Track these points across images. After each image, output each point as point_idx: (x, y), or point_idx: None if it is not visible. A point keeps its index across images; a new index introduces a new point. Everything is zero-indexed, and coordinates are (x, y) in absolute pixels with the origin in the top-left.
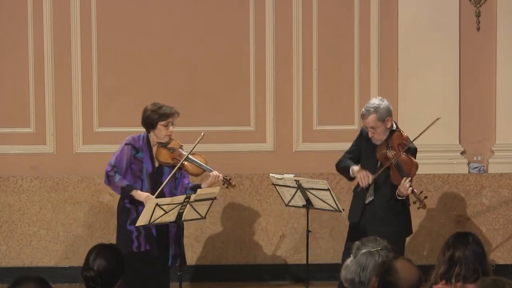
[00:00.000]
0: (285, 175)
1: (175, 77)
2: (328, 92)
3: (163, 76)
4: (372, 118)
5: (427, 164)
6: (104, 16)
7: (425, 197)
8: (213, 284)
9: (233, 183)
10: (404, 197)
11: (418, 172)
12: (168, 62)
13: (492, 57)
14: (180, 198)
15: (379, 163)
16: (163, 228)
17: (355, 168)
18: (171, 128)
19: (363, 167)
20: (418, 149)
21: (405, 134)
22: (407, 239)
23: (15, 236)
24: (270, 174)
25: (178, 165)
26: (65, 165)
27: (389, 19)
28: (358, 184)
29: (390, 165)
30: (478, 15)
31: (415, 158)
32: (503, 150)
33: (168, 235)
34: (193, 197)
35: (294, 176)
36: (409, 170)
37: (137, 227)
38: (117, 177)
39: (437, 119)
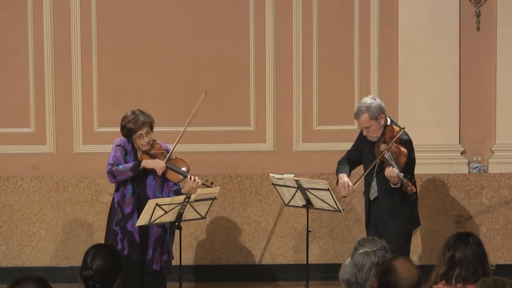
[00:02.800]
0: (285, 175)
1: (175, 77)
2: (328, 92)
3: (163, 76)
4: (364, 117)
5: (427, 164)
6: (104, 16)
7: (413, 180)
8: (213, 284)
9: (212, 186)
10: (398, 185)
11: (418, 172)
12: (168, 62)
13: (492, 57)
14: (180, 198)
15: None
16: (146, 233)
17: (340, 176)
18: (145, 138)
19: (365, 166)
20: (417, 149)
21: (396, 128)
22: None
23: (15, 236)
24: (270, 174)
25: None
26: (65, 165)
27: (389, 19)
28: (364, 188)
29: (384, 159)
30: (478, 15)
31: (411, 149)
32: (503, 150)
33: (148, 242)
34: (193, 197)
35: (294, 176)
36: (397, 158)
37: (122, 229)
38: (120, 166)
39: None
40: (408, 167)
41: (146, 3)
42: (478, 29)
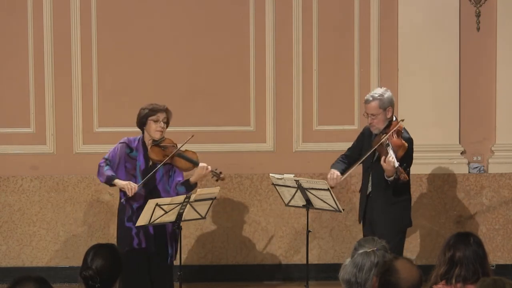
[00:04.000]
0: (285, 175)
1: (175, 77)
2: (328, 92)
3: (163, 76)
4: (374, 104)
5: (427, 164)
6: (104, 16)
7: (408, 170)
8: (213, 284)
9: (222, 176)
10: (392, 178)
11: (418, 172)
12: (168, 62)
13: (492, 57)
14: (180, 198)
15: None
16: (160, 225)
17: (331, 170)
18: (161, 124)
19: (364, 162)
20: (417, 149)
21: (402, 124)
22: (409, 236)
23: (15, 236)
24: (270, 174)
25: (165, 160)
26: (65, 165)
27: (389, 19)
28: (361, 184)
29: (381, 149)
30: (478, 15)
31: (411, 147)
32: (503, 150)
33: (166, 233)
34: (193, 197)
35: (294, 176)
36: (397, 149)
37: (135, 223)
38: (106, 168)
39: (401, 120)
40: (404, 161)
41: (146, 3)
42: (478, 29)
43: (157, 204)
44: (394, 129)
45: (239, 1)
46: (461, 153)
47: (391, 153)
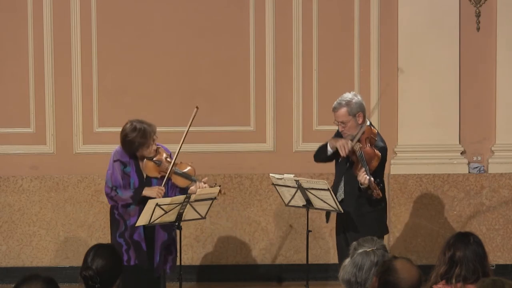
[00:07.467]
0: (285, 175)
1: (175, 77)
2: (328, 92)
3: (163, 76)
4: (343, 111)
5: (427, 164)
6: (104, 16)
7: (381, 185)
8: (213, 284)
9: (222, 191)
10: (366, 187)
11: (418, 172)
12: (168, 62)
13: (492, 57)
14: (180, 198)
15: (349, 159)
16: (151, 239)
17: (331, 140)
18: (153, 146)
19: (338, 164)
20: (417, 149)
21: (375, 130)
22: (409, 236)
23: (15, 236)
24: (270, 174)
25: (164, 180)
26: (65, 165)
27: (389, 19)
28: (333, 185)
29: (354, 157)
30: (478, 15)
31: (384, 157)
32: (503, 150)
33: (155, 246)
34: (193, 197)
35: (294, 176)
36: (370, 160)
37: (127, 240)
38: (120, 192)
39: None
40: (378, 172)
41: (146, 3)
42: (478, 29)
43: (157, 204)
44: (367, 136)
45: (239, 1)
46: (461, 153)
47: (364, 166)
